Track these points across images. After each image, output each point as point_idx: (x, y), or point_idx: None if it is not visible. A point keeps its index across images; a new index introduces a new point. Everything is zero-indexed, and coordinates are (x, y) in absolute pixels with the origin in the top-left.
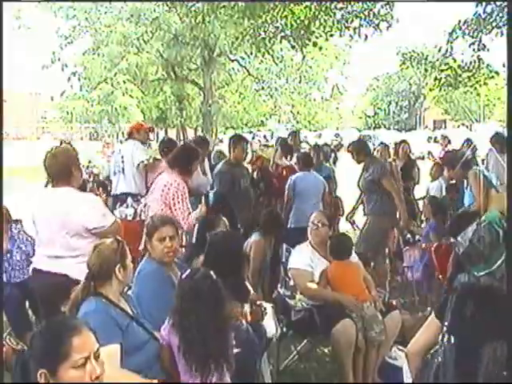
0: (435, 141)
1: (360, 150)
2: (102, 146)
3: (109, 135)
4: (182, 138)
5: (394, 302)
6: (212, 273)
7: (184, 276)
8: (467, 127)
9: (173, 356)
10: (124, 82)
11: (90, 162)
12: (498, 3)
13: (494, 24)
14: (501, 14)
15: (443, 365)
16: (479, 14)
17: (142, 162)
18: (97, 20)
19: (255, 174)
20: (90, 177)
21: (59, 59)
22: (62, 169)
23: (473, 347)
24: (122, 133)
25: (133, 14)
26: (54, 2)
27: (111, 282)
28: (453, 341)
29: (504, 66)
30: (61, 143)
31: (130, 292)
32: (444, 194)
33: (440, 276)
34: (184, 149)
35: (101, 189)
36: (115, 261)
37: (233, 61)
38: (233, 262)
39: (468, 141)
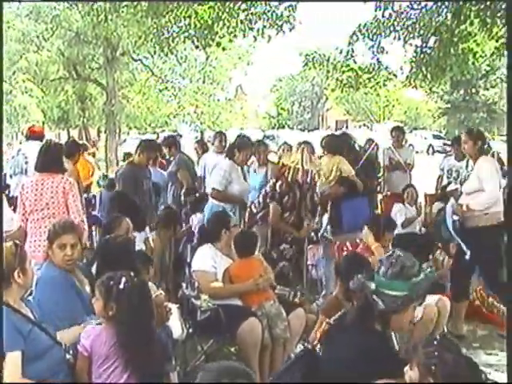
0: None
1: (170, 145)
2: None
3: (7, 135)
4: (84, 138)
5: (298, 300)
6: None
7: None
8: (368, 127)
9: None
10: (23, 81)
11: None
12: (396, 8)
13: (391, 28)
14: (398, 19)
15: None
16: (378, 19)
17: None
18: None
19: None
20: None
21: None
22: None
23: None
24: (22, 133)
25: (32, 10)
26: (51, 2)
27: (11, 287)
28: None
29: (401, 69)
30: None
31: (30, 297)
32: None
33: None
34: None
35: None
36: (14, 265)
37: (136, 60)
38: (123, 265)
39: (370, 140)
